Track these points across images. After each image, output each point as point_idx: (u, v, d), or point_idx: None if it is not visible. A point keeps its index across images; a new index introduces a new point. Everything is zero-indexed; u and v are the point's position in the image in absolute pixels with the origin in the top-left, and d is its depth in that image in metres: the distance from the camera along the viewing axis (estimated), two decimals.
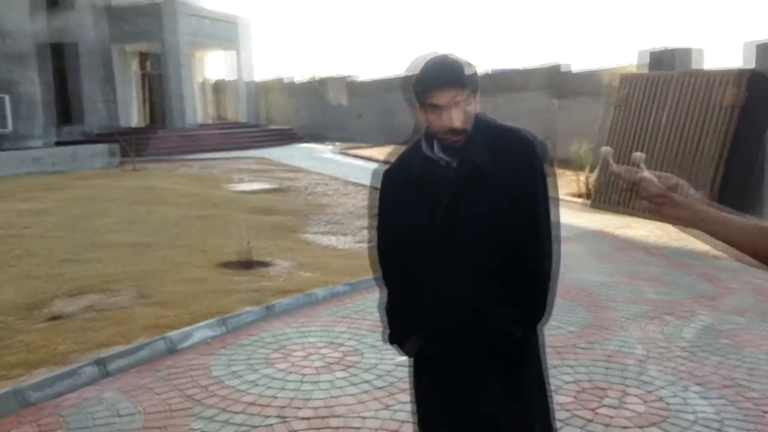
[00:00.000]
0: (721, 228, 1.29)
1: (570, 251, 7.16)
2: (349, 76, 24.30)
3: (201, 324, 4.47)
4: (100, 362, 3.80)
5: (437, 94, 1.72)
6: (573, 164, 13.54)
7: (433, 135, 1.82)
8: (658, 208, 1.33)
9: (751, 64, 9.37)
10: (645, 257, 6.83)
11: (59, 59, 20.38)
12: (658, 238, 7.78)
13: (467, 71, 1.76)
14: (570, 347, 4.11)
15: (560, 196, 11.11)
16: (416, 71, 1.78)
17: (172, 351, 4.14)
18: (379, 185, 1.98)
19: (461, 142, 1.76)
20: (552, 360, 3.76)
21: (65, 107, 20.88)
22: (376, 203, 1.99)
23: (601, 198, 10.24)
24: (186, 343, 4.25)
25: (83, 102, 20.39)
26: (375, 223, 2.01)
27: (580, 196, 11.16)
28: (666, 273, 6.14)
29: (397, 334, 1.99)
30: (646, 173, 1.33)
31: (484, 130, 1.81)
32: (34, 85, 19.87)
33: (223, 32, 22.48)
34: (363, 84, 23.46)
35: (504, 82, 17.68)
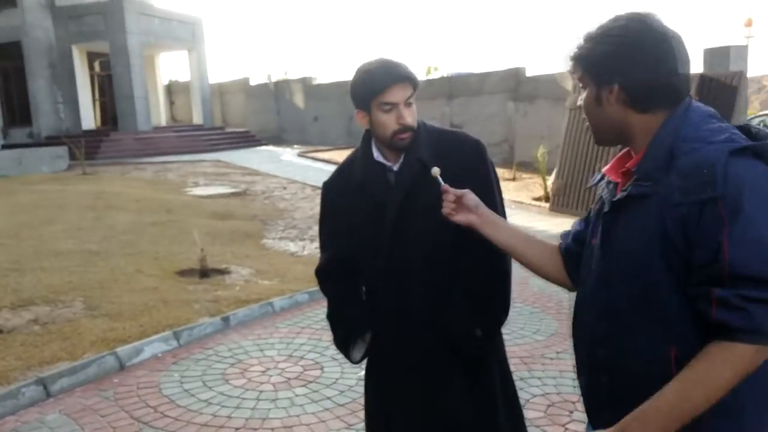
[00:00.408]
0: (497, 232, 1.55)
1: None
2: (306, 78, 24.04)
3: (152, 338, 4.26)
4: (41, 381, 3.55)
5: (390, 92, 1.73)
6: (531, 168, 13.69)
7: (379, 138, 1.80)
8: (452, 212, 1.56)
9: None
10: None
11: (3, 59, 19.57)
12: None
13: (411, 70, 1.79)
14: (538, 357, 4.05)
15: (520, 200, 11.23)
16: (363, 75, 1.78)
17: (120, 368, 3.92)
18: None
19: (408, 140, 1.77)
20: (519, 371, 3.69)
21: (11, 109, 20.06)
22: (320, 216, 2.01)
23: (559, 201, 10.33)
24: (136, 359, 4.03)
25: (30, 103, 19.61)
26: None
27: (538, 199, 11.25)
28: None
29: (341, 341, 1.96)
30: (447, 186, 1.57)
31: (424, 133, 1.84)
32: None
33: (176, 32, 21.96)
34: (321, 86, 23.24)
35: (461, 85, 17.78)
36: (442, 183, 1.60)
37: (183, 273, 6.15)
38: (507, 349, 4.20)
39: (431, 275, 1.79)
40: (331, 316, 2.02)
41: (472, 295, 1.80)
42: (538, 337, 4.46)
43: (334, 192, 1.93)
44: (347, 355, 1.94)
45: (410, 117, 1.76)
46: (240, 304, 5.14)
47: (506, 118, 16.29)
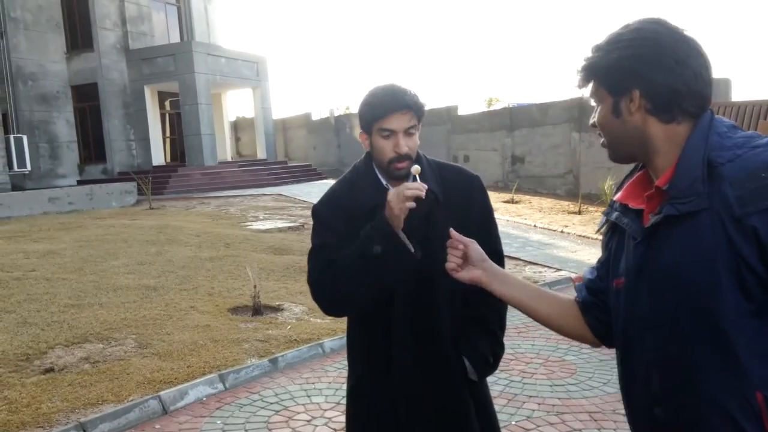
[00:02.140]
0: (505, 287, 1.41)
1: None
2: (350, 113, 24.31)
3: (198, 380, 4.12)
4: (82, 427, 3.46)
5: (391, 119, 1.74)
6: (597, 200, 13.12)
7: (378, 163, 1.81)
8: (457, 267, 1.45)
9: None
10: None
11: (81, 100, 20.66)
12: None
13: (416, 99, 1.77)
14: (609, 413, 3.65)
15: (586, 234, 10.70)
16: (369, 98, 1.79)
17: (164, 412, 3.79)
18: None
19: (404, 170, 1.76)
20: (588, 429, 3.33)
21: (88, 147, 21.08)
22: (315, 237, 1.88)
23: None
24: (180, 403, 3.89)
25: (105, 141, 20.56)
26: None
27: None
28: None
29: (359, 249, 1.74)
30: (456, 234, 1.48)
31: (427, 165, 1.86)
32: (55, 125, 20.14)
33: (242, 71, 22.66)
34: None
35: (522, 116, 17.42)
36: (419, 182, 1.66)
37: (236, 310, 6.06)
38: (574, 401, 3.85)
39: (452, 303, 1.83)
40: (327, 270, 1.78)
41: (481, 318, 1.88)
42: (609, 389, 4.05)
43: (331, 215, 1.83)
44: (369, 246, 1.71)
45: (407, 146, 1.75)
46: (290, 344, 4.97)
47: (570, 148, 15.79)
